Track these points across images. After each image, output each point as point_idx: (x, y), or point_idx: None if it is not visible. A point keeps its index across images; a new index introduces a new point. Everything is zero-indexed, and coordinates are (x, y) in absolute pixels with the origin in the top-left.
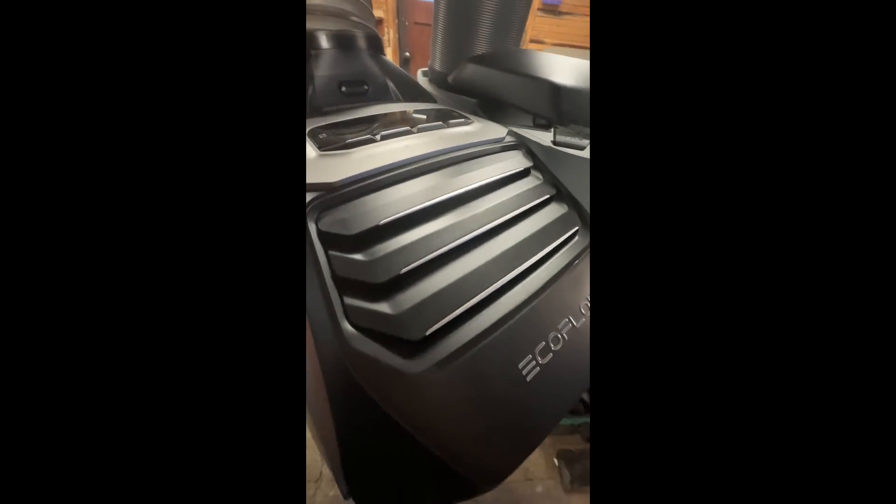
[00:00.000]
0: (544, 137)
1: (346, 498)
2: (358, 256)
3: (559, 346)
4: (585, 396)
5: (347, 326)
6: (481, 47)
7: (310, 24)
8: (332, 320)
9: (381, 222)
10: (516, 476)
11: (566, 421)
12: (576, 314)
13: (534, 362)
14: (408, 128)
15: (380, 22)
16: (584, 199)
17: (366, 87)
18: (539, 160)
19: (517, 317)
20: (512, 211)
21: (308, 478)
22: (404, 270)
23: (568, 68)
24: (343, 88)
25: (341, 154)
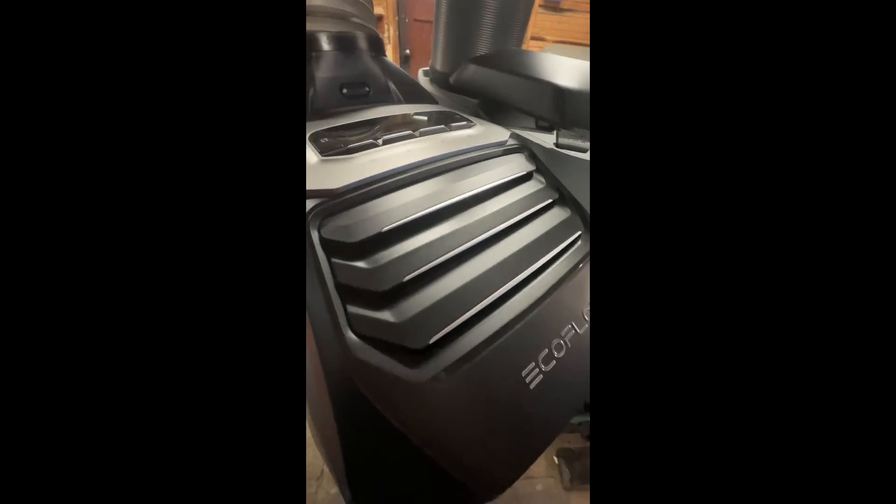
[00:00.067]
0: (547, 139)
1: None
2: (361, 264)
3: (562, 353)
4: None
5: (351, 335)
6: (483, 47)
7: (311, 26)
8: (335, 329)
9: (384, 229)
10: None
11: None
12: (579, 320)
13: (537, 370)
14: (409, 132)
15: (380, 19)
16: (587, 202)
17: (367, 89)
18: (541, 163)
19: (520, 324)
20: (514, 216)
21: (310, 475)
22: (407, 278)
23: (572, 70)
24: (344, 90)
25: (343, 159)
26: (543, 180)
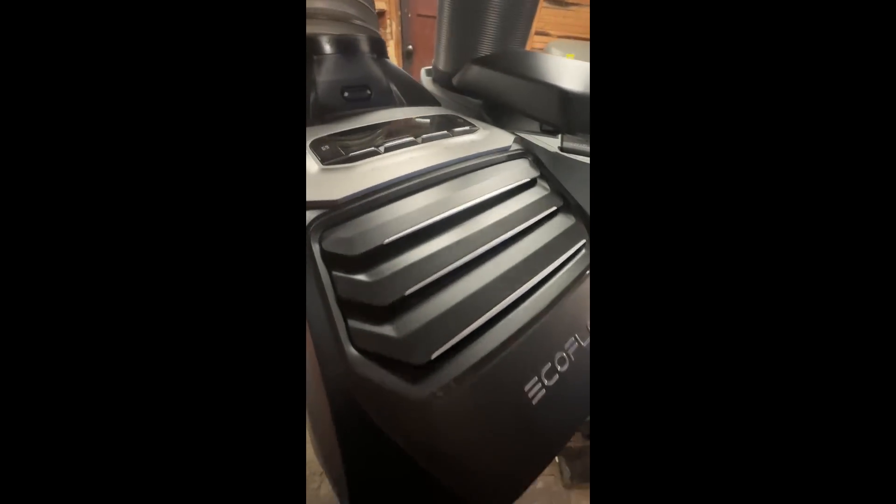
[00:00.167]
0: (552, 143)
1: None
2: (362, 277)
3: (565, 367)
4: None
5: (352, 350)
6: (487, 46)
7: (312, 29)
8: (336, 344)
9: (385, 242)
10: None
11: None
12: (582, 332)
13: (539, 384)
14: (412, 138)
15: (382, 14)
16: None
17: (368, 92)
18: (546, 169)
19: (523, 337)
20: (517, 225)
21: (313, 471)
22: (408, 292)
23: (577, 73)
24: (346, 94)
25: (344, 168)
26: (548, 186)
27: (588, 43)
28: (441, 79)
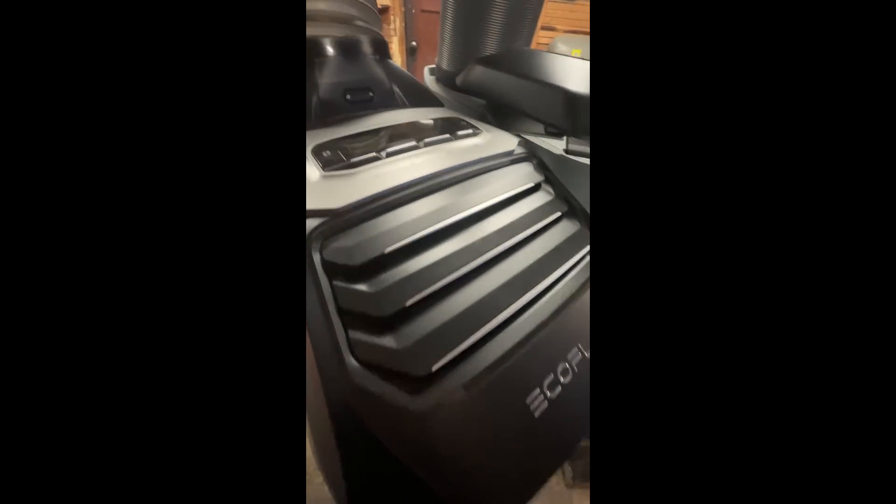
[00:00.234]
0: (557, 145)
1: None
2: (362, 287)
3: (568, 379)
4: None
5: (352, 362)
6: (491, 46)
7: (314, 31)
8: (336, 355)
9: (386, 251)
10: None
11: None
12: (586, 343)
13: (542, 396)
14: (414, 143)
15: (385, 10)
16: None
17: (371, 94)
18: (550, 172)
19: (525, 348)
20: (520, 232)
21: (313, 470)
22: (409, 303)
23: (584, 74)
24: (348, 96)
25: (346, 174)
26: (552, 191)
27: None
28: (444, 78)
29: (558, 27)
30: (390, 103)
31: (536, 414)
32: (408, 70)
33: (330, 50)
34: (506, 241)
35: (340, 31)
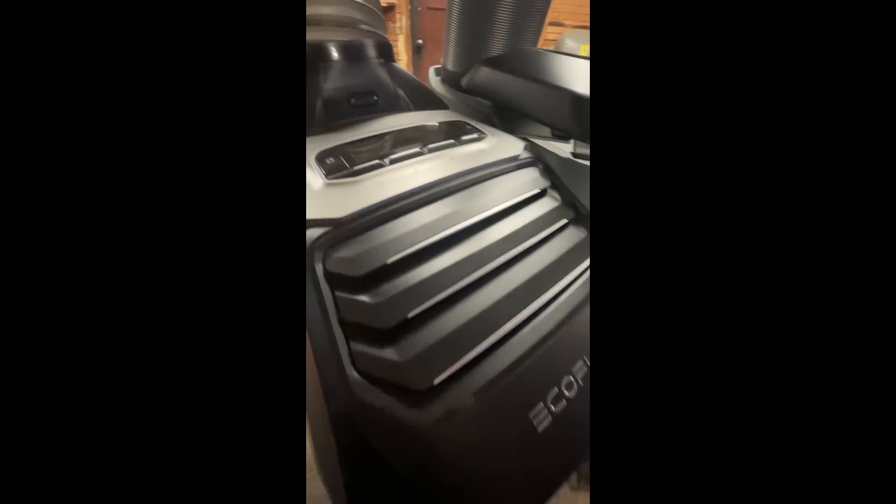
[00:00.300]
0: (565, 148)
1: None
2: (364, 298)
3: (573, 393)
4: None
5: (354, 374)
6: (498, 45)
7: (318, 36)
8: (338, 367)
9: (389, 261)
10: None
11: None
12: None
13: (545, 411)
14: (418, 149)
15: (391, 8)
16: None
17: (375, 98)
18: (557, 177)
19: (529, 361)
20: (525, 241)
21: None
22: (411, 315)
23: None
24: (352, 100)
25: (349, 182)
26: (558, 197)
27: None
28: (450, 79)
29: (566, 23)
30: (395, 106)
31: (540, 429)
32: (414, 68)
33: (334, 54)
34: (510, 250)
35: (344, 36)
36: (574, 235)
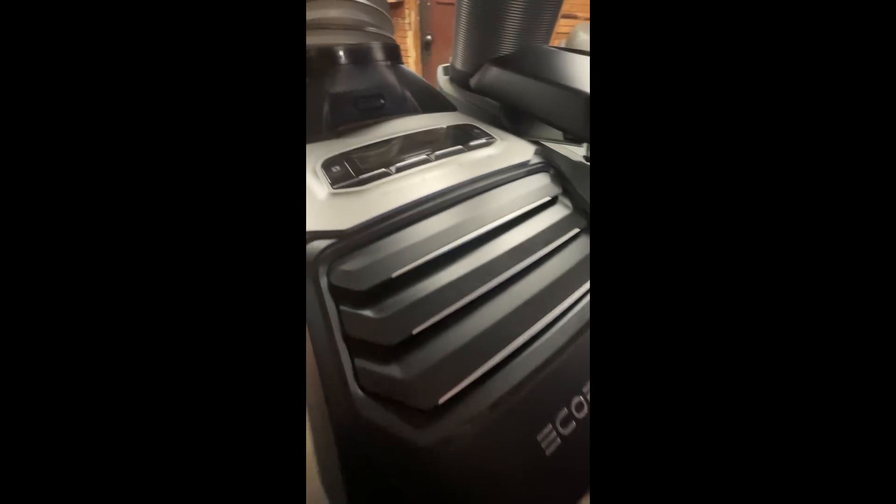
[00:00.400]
0: (577, 151)
1: None
2: (368, 313)
3: (584, 414)
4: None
5: (358, 392)
6: (508, 44)
7: (325, 40)
8: (342, 384)
9: (394, 275)
10: None
11: None
12: None
13: (554, 433)
14: (425, 156)
15: (400, 4)
16: None
17: (382, 101)
18: (569, 183)
19: (537, 380)
20: (534, 253)
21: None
22: (417, 330)
23: None
24: (359, 104)
25: (354, 192)
26: (570, 204)
27: None
28: (458, 78)
29: (579, 15)
30: (402, 109)
31: (548, 452)
32: (423, 65)
33: (341, 58)
34: (518, 262)
35: (352, 39)
36: (586, 245)
